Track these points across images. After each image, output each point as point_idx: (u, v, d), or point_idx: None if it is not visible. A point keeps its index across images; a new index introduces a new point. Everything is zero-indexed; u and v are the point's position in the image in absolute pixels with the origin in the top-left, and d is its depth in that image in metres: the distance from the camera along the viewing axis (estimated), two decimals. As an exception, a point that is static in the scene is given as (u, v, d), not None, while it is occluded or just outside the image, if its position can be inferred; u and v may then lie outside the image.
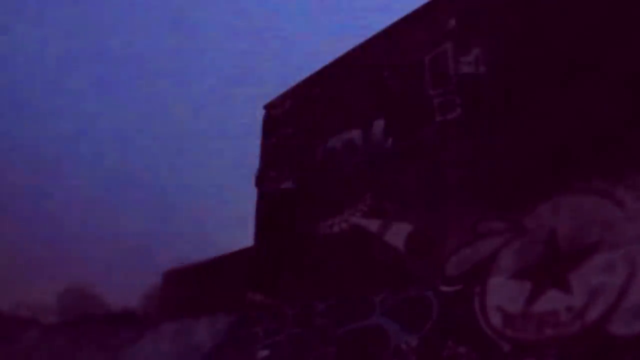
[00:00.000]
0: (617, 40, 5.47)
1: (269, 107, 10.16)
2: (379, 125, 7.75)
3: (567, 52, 5.87)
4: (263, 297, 8.70)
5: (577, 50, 5.78)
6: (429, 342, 6.17)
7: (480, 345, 5.65)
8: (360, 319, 7.01)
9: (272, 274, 8.76)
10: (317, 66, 9.24)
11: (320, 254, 8.07)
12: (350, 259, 7.58)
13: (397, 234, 7.02)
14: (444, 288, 6.23)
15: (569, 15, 5.96)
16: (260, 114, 10.24)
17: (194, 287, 11.68)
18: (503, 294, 5.64)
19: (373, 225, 7.38)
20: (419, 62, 7.41)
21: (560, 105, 5.77)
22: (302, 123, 9.27)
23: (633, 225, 4.92)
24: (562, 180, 5.55)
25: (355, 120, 8.14)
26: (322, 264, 7.97)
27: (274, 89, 10.16)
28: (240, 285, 9.47)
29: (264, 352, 8.12)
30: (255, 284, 8.95)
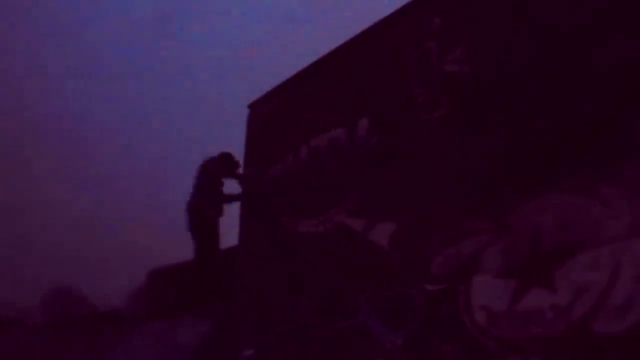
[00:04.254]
0: (601, 40, 5.47)
1: (253, 106, 10.14)
2: (363, 124, 7.74)
3: (552, 51, 5.87)
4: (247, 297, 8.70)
5: (562, 50, 5.78)
6: (414, 341, 6.17)
7: (465, 344, 5.65)
8: (346, 318, 7.00)
9: (255, 274, 8.75)
10: (301, 65, 9.22)
11: (304, 253, 8.07)
12: (335, 258, 7.57)
13: (382, 233, 7.01)
14: (429, 287, 6.22)
15: (554, 15, 5.96)
16: (245, 112, 10.22)
17: (179, 286, 11.64)
18: (488, 292, 5.64)
19: (357, 224, 7.37)
20: (403, 61, 7.39)
21: (545, 104, 5.77)
22: (287, 122, 9.25)
23: (617, 223, 4.93)
24: (547, 179, 5.55)
25: (340, 119, 8.12)
26: (307, 263, 7.96)
27: (259, 88, 10.14)
28: (225, 284, 9.46)
29: (249, 352, 8.10)
30: (238, 284, 8.96)
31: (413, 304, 6.28)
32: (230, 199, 9.75)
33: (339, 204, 7.70)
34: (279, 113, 9.48)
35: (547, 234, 5.36)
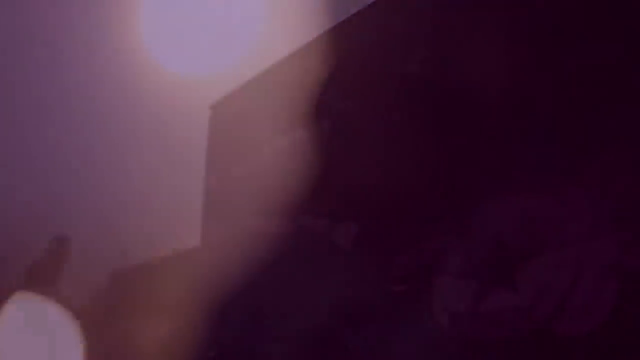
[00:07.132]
0: (561, 41, 5.48)
1: (214, 107, 10.06)
2: (325, 124, 7.70)
3: (511, 52, 5.87)
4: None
5: (521, 50, 5.78)
6: (376, 342, 6.16)
7: (427, 346, 5.64)
8: (309, 319, 6.98)
9: (217, 275, 8.69)
10: (263, 65, 9.16)
11: (266, 255, 8.03)
12: (297, 260, 7.54)
13: (344, 235, 6.99)
14: (391, 288, 6.21)
15: (516, 17, 5.96)
16: (206, 113, 10.13)
17: (141, 287, 11.55)
18: (450, 293, 5.64)
19: (319, 225, 7.34)
20: (364, 61, 7.37)
21: (506, 105, 5.77)
22: (248, 123, 9.19)
23: (579, 224, 4.93)
24: (509, 180, 5.54)
25: (302, 119, 8.08)
26: (270, 264, 7.92)
27: (220, 88, 10.06)
28: (188, 285, 9.39)
29: (211, 354, 8.06)
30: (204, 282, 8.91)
31: (375, 305, 6.27)
32: None
33: (301, 204, 7.66)
34: (241, 114, 9.42)
35: (509, 235, 5.36)
